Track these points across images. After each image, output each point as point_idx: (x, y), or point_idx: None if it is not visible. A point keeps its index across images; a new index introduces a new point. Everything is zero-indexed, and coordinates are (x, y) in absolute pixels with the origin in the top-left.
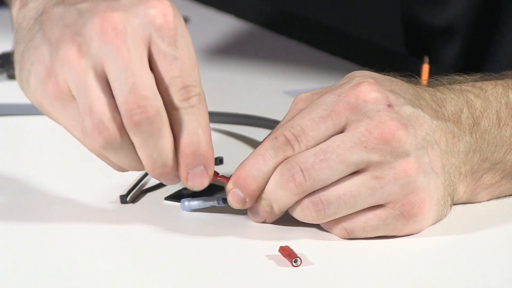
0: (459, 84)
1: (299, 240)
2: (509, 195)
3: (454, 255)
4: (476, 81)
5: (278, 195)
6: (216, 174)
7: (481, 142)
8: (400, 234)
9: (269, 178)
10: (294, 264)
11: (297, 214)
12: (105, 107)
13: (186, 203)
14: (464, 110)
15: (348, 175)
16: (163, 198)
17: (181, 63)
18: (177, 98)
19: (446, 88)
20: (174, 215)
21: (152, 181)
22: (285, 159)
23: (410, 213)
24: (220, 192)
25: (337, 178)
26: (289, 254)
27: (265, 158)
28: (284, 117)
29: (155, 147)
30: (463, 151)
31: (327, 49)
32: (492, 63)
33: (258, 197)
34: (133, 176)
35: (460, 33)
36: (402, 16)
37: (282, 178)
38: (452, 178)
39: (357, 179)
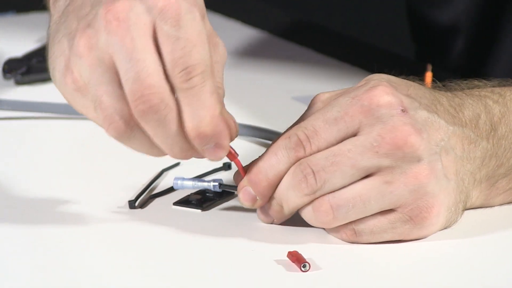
0: (478, 89)
1: (308, 245)
2: None
3: (462, 259)
4: (494, 86)
5: (289, 196)
6: (235, 154)
7: (497, 148)
8: (406, 239)
9: (281, 177)
10: (302, 269)
11: (307, 217)
12: (114, 99)
13: (179, 181)
14: (482, 115)
15: (359, 179)
16: (172, 203)
17: (183, 43)
18: (178, 80)
19: (465, 93)
20: (183, 220)
21: (160, 186)
22: (297, 159)
23: (419, 218)
24: (229, 194)
25: (348, 182)
26: (297, 259)
27: (277, 156)
28: (301, 116)
29: (166, 134)
30: (479, 157)
31: (335, 55)
32: (495, 61)
33: (269, 197)
34: (141, 181)
35: (464, 31)
36: (408, 14)
37: (294, 179)
38: (466, 184)
39: (367, 183)
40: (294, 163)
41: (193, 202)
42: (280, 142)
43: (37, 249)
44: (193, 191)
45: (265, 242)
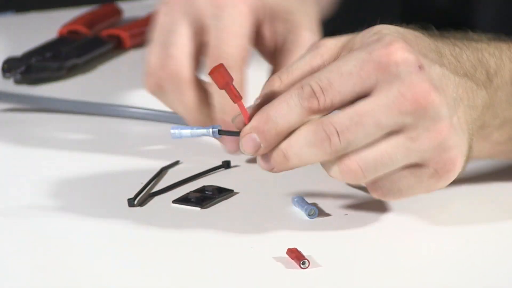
0: (474, 41)
1: (307, 242)
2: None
3: (466, 256)
4: (490, 40)
5: (305, 152)
6: (238, 95)
7: (493, 98)
8: (431, 191)
9: (291, 127)
10: (302, 266)
11: (334, 175)
12: (154, 59)
13: (177, 131)
14: (478, 66)
15: (381, 138)
16: (171, 201)
17: (219, 34)
18: (210, 67)
19: (463, 43)
20: (182, 218)
21: (159, 185)
22: (310, 110)
23: (444, 170)
24: (228, 192)
25: (371, 141)
26: (297, 256)
27: (289, 105)
28: (302, 56)
29: (178, 101)
30: (480, 105)
31: None
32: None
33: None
34: (141, 179)
35: None
36: None
37: (316, 137)
38: (472, 132)
39: (392, 141)
40: (306, 114)
41: (192, 200)
42: (293, 91)
43: (36, 248)
44: (192, 187)
45: (264, 239)
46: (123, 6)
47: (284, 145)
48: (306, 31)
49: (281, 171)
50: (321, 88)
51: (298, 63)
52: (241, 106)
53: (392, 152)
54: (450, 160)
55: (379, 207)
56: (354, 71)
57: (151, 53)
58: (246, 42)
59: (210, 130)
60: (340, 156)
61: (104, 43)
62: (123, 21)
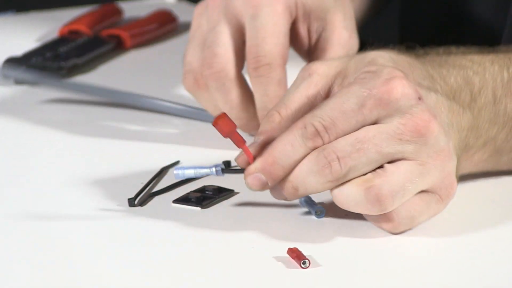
0: (458, 59)
1: (308, 242)
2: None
3: (466, 256)
4: (473, 54)
5: (309, 181)
6: (242, 140)
7: (477, 119)
8: (433, 216)
9: (296, 163)
10: (302, 265)
11: (360, 203)
12: (192, 58)
13: (180, 171)
14: (464, 87)
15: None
16: (171, 201)
17: (257, 33)
18: (249, 66)
19: (448, 63)
20: (183, 218)
21: (160, 184)
22: (314, 148)
23: (445, 195)
24: (228, 192)
25: (372, 169)
26: (297, 256)
27: (294, 146)
28: (295, 85)
29: (224, 100)
30: (465, 128)
31: None
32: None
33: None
34: (141, 179)
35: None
36: None
37: (318, 164)
38: (459, 154)
39: (403, 167)
40: (310, 151)
41: (192, 200)
42: (296, 131)
43: (36, 248)
44: (192, 187)
45: (264, 239)
46: (123, 6)
47: (291, 176)
48: (341, 29)
49: (293, 199)
50: (324, 127)
51: (293, 94)
52: (245, 149)
53: (409, 177)
54: (450, 185)
55: None
56: (356, 108)
57: (191, 52)
58: (284, 40)
59: (214, 169)
60: (370, 186)
61: (104, 43)
62: (124, 21)
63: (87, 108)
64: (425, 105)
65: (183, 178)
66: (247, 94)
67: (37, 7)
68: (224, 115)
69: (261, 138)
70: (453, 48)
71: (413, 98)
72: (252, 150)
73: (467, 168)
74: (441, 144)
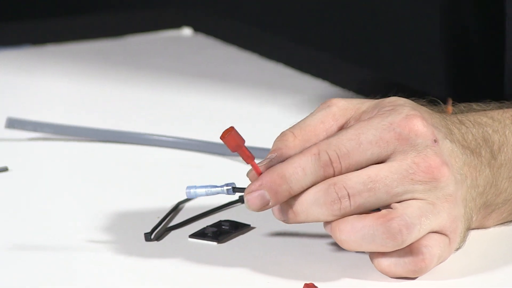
0: (478, 116)
1: (324, 277)
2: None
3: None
4: (493, 110)
5: (312, 210)
6: (251, 156)
7: (497, 176)
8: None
9: (303, 189)
10: None
11: (369, 245)
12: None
13: (192, 190)
14: (483, 144)
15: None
16: (188, 236)
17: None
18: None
19: (469, 119)
20: (199, 253)
21: (176, 219)
22: (324, 178)
23: (454, 239)
24: (245, 227)
25: (378, 207)
26: None
27: (305, 172)
28: (312, 113)
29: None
30: (482, 185)
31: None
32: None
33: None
34: (157, 213)
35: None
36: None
37: (326, 197)
38: (470, 211)
39: (416, 204)
40: (320, 180)
41: (209, 234)
42: (309, 157)
43: (50, 282)
44: (208, 222)
45: (281, 274)
46: (139, 39)
47: (295, 202)
48: None
49: (292, 223)
50: (338, 156)
51: (310, 119)
52: (254, 165)
53: (424, 215)
54: (456, 230)
55: None
56: (374, 140)
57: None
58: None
59: (225, 188)
60: (390, 219)
61: None
62: None
63: (102, 142)
64: (439, 148)
65: (195, 197)
66: None
67: (53, 40)
68: (232, 129)
69: (273, 156)
70: (474, 104)
71: (429, 139)
72: (262, 168)
73: (490, 223)
74: (451, 189)
